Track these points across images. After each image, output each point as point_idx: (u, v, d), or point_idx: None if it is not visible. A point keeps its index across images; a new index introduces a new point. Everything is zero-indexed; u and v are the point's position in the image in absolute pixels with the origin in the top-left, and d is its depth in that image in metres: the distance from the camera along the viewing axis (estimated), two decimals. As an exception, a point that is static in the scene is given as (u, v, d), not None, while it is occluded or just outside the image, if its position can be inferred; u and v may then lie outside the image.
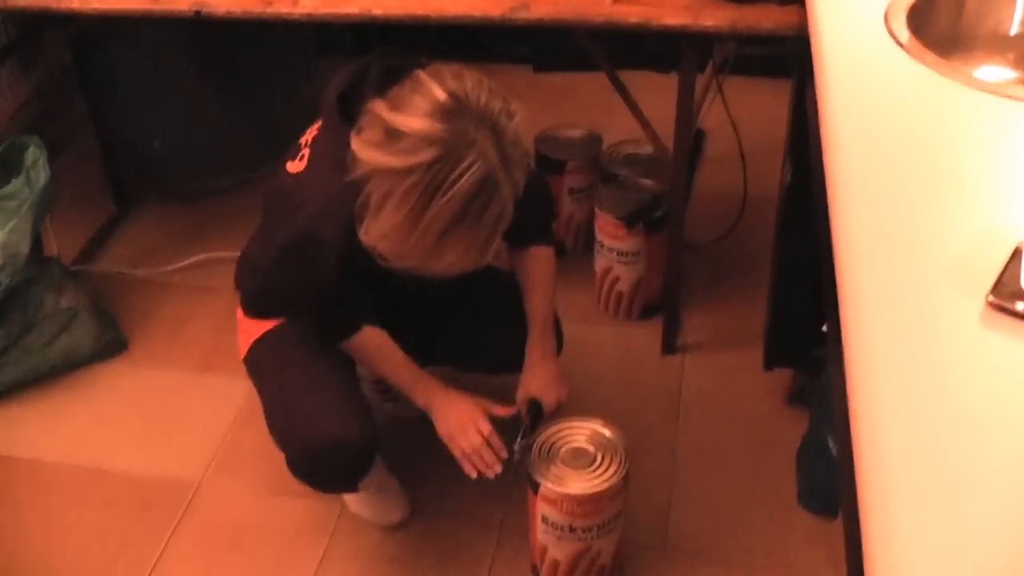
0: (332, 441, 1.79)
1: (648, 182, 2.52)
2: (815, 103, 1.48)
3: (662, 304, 2.51)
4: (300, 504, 2.14)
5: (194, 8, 2.11)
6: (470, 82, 1.50)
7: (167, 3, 2.14)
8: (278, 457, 1.93)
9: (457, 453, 1.87)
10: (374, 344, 1.88)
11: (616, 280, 2.52)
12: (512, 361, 2.01)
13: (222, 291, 2.64)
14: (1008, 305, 1.02)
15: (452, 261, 1.55)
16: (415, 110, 1.46)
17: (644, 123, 2.52)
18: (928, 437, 0.90)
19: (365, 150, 1.50)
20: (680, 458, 2.23)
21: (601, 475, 1.84)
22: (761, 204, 2.60)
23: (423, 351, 1.96)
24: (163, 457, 2.29)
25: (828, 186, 1.27)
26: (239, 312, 1.99)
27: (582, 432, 1.90)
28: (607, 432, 1.90)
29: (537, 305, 1.96)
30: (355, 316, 1.86)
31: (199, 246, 2.85)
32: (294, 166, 1.71)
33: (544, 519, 1.86)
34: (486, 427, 1.86)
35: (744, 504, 2.13)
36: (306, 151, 1.70)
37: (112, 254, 2.89)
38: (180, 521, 2.15)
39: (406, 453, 2.19)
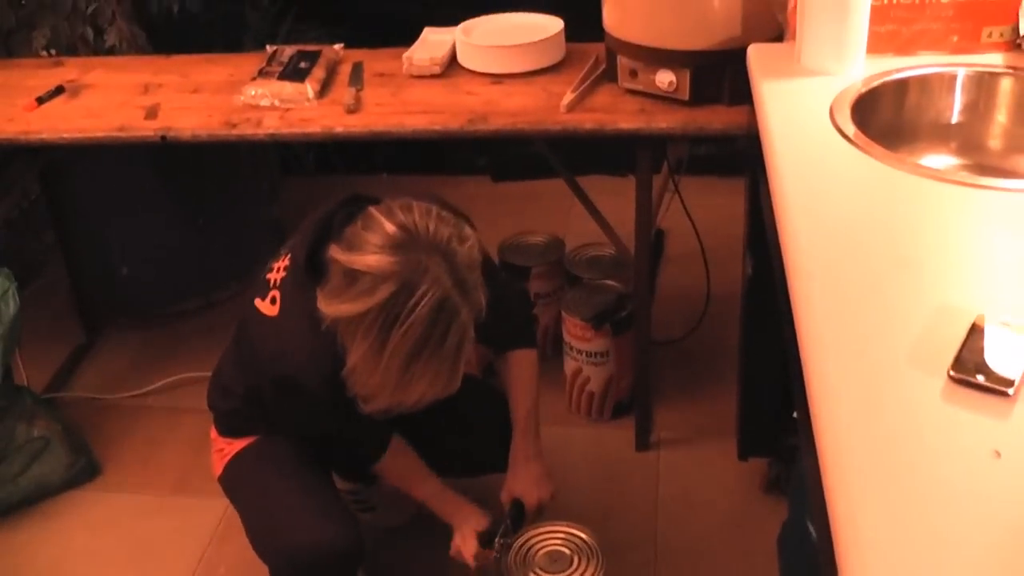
0: (317, 549, 1.79)
1: (612, 283, 2.57)
2: (770, 198, 1.53)
3: (633, 402, 2.53)
4: (281, 623, 2.12)
5: (160, 133, 2.16)
6: (418, 212, 1.55)
7: (134, 130, 2.19)
8: (257, 575, 1.92)
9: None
10: (404, 463, 1.94)
11: (586, 381, 2.54)
12: (487, 464, 2.03)
13: (194, 412, 2.63)
14: (969, 378, 1.05)
15: (422, 392, 1.57)
16: (368, 247, 1.51)
17: (605, 226, 2.57)
18: (902, 513, 0.93)
19: (328, 304, 1.55)
20: (661, 554, 2.23)
21: None
22: (724, 299, 2.64)
23: None
24: (140, 583, 2.26)
25: (788, 277, 1.32)
26: (212, 431, 2.00)
27: (556, 536, 1.91)
28: (582, 534, 1.91)
29: (519, 407, 1.99)
30: (379, 439, 1.89)
31: (169, 369, 2.85)
32: (266, 307, 1.73)
33: (528, 625, 1.86)
34: (471, 543, 1.90)
35: (727, 597, 2.14)
36: (276, 293, 1.73)
37: (83, 381, 2.88)
38: (160, 647, 2.13)
39: (388, 561, 2.18)
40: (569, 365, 2.56)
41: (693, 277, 2.72)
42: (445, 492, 1.96)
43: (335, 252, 1.55)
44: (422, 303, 1.48)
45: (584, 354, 2.51)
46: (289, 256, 1.73)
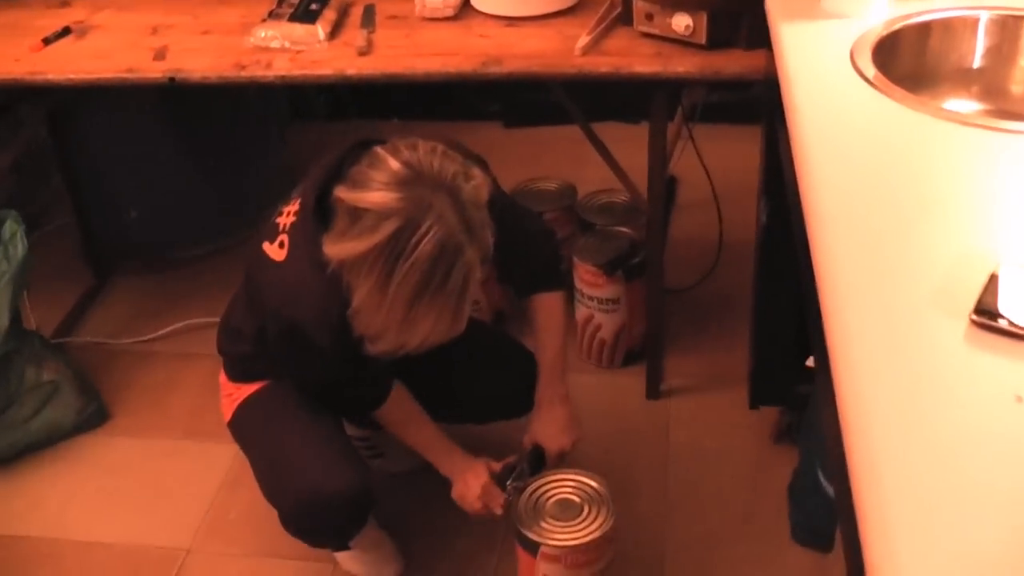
0: (326, 494, 1.79)
1: (625, 230, 2.54)
2: (788, 144, 1.50)
3: (644, 350, 2.52)
4: (291, 566, 2.13)
5: (168, 75, 2.13)
6: (423, 150, 1.54)
7: (142, 71, 2.16)
8: (267, 519, 1.93)
9: (467, 510, 1.93)
10: (403, 411, 1.92)
11: (598, 328, 2.53)
12: (497, 410, 2.03)
13: (203, 357, 2.63)
14: (991, 323, 1.04)
15: (426, 332, 1.56)
16: (372, 184, 1.51)
17: (618, 171, 2.55)
18: (923, 459, 0.91)
19: (333, 245, 1.54)
20: (672, 501, 2.23)
21: (590, 525, 1.83)
22: (736, 247, 2.62)
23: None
24: (151, 526, 2.27)
25: (808, 222, 1.30)
26: (222, 376, 1.99)
27: (567, 484, 1.90)
28: (592, 482, 1.90)
29: (543, 351, 1.97)
30: (380, 386, 1.88)
31: (178, 314, 2.85)
32: (274, 251, 1.72)
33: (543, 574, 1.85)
34: (478, 491, 1.89)
35: (739, 543, 2.13)
36: (284, 238, 1.71)
37: (92, 325, 2.88)
38: (171, 589, 2.13)
39: (398, 508, 2.18)
40: (581, 312, 2.55)
41: (705, 225, 2.71)
42: (443, 441, 1.94)
43: (340, 192, 1.54)
44: (426, 239, 1.47)
45: (596, 301, 2.49)
46: (299, 200, 1.71)
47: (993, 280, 1.09)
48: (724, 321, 2.69)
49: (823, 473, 2.01)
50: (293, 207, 1.73)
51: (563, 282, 2.04)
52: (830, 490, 2.00)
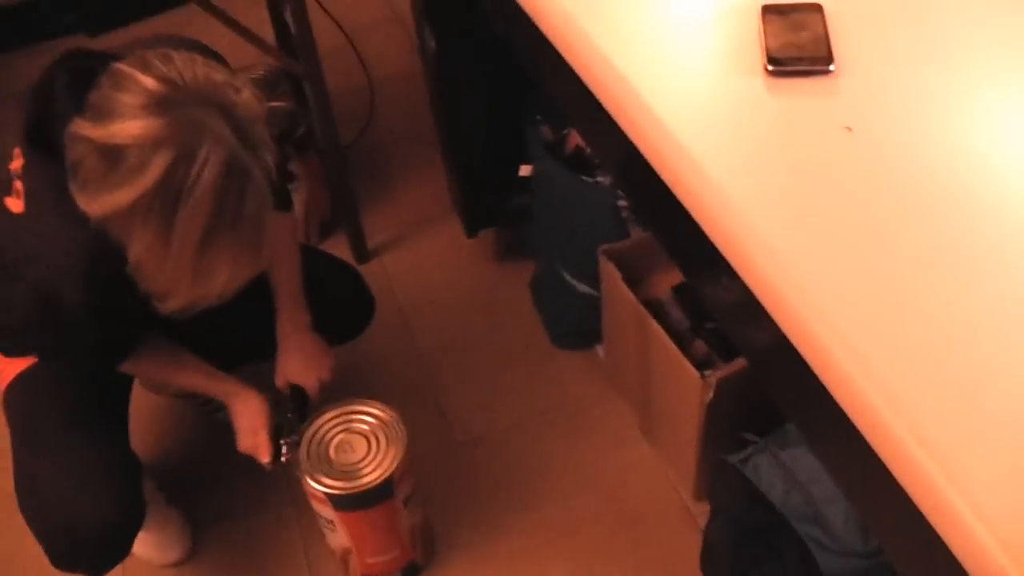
0: (81, 528, 1.57)
1: (279, 103, 2.38)
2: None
3: (338, 217, 2.42)
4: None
5: None
6: (180, 60, 1.24)
7: None
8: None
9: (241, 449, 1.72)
10: (157, 360, 1.68)
11: (285, 210, 2.40)
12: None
13: None
14: (786, 68, 1.04)
15: (226, 276, 1.29)
16: (126, 110, 1.19)
17: (255, 40, 2.32)
18: (780, 208, 0.93)
19: (90, 199, 1.23)
20: (429, 355, 2.21)
21: (382, 460, 1.68)
22: (387, 83, 2.53)
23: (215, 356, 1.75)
24: None
25: (551, 33, 1.24)
26: None
27: (347, 418, 1.73)
28: (374, 410, 1.73)
29: (282, 279, 1.74)
30: (126, 343, 1.61)
31: None
32: (13, 203, 1.41)
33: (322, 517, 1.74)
34: (263, 436, 1.69)
35: (508, 368, 2.15)
36: (18, 185, 1.40)
37: None
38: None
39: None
40: (263, 200, 2.39)
41: (345, 72, 2.57)
42: (214, 376, 1.71)
43: (81, 128, 1.21)
44: (207, 168, 1.20)
45: (273, 184, 2.35)
46: (22, 152, 1.41)
47: (766, 24, 1.09)
48: (410, 159, 2.61)
49: (567, 272, 2.04)
50: (18, 150, 1.42)
51: (290, 202, 1.82)
52: (579, 287, 2.04)
